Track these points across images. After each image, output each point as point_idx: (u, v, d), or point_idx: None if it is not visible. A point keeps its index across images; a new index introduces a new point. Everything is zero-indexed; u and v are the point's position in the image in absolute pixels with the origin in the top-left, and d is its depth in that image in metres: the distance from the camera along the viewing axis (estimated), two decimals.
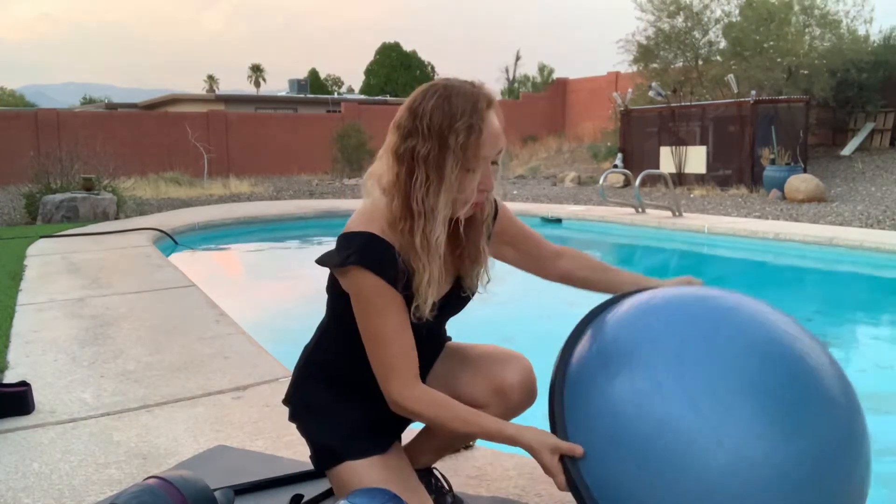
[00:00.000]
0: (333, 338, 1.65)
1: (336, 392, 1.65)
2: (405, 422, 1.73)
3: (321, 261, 1.56)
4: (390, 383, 1.49)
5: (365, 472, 1.57)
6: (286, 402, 1.75)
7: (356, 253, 1.46)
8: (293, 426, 2.42)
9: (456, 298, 1.63)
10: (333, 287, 1.59)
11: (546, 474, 1.39)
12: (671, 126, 13.85)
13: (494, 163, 1.49)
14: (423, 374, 1.71)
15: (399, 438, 1.73)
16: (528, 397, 1.68)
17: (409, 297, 1.51)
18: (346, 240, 1.50)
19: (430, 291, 1.48)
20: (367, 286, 1.46)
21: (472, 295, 1.65)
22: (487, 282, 1.65)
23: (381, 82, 41.78)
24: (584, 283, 1.79)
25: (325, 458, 1.64)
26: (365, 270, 1.45)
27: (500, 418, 1.65)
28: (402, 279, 1.48)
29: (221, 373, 2.99)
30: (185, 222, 9.01)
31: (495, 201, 1.68)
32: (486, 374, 1.66)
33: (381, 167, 1.50)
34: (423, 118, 1.43)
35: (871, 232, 7.48)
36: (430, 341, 1.69)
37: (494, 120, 1.46)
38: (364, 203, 1.55)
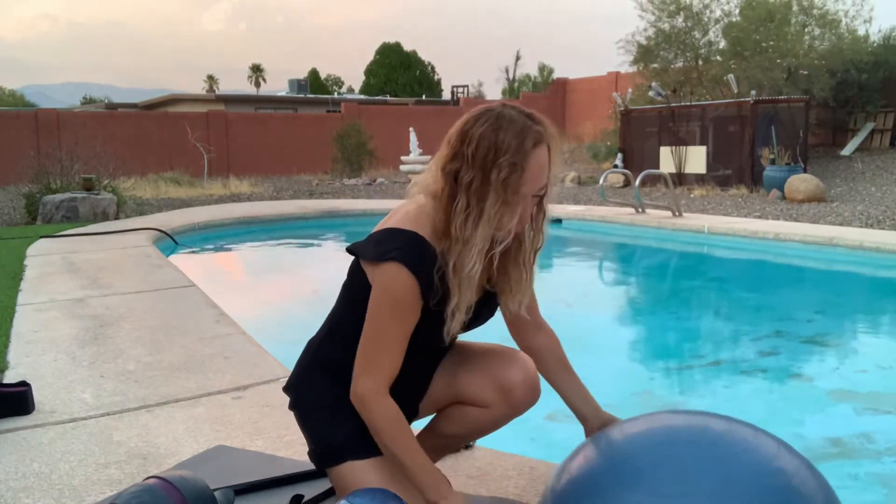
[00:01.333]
0: (344, 333, 1.63)
1: (342, 389, 1.64)
2: (410, 421, 1.72)
3: (354, 250, 1.54)
4: (367, 378, 1.50)
5: (367, 472, 1.57)
6: (287, 389, 1.75)
7: (400, 249, 1.45)
8: (293, 426, 2.41)
9: (486, 308, 1.63)
10: (356, 278, 1.57)
11: None
12: (671, 126, 13.85)
13: (537, 196, 1.49)
14: (430, 373, 1.72)
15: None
16: (532, 396, 1.67)
17: (436, 313, 1.50)
18: (391, 235, 1.48)
19: (459, 316, 1.48)
20: (399, 284, 1.45)
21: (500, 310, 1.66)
22: (518, 307, 1.63)
23: (381, 82, 41.75)
24: (543, 369, 1.75)
25: (327, 456, 1.64)
26: (403, 268, 1.44)
27: (505, 418, 1.65)
28: (436, 293, 1.47)
29: (221, 373, 2.99)
30: (185, 222, 9.00)
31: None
32: (490, 372, 1.65)
33: (428, 178, 1.50)
34: (470, 144, 1.42)
35: (871, 232, 7.48)
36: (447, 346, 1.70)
37: (541, 158, 1.45)
38: (409, 203, 1.54)
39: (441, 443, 1.81)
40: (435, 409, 1.76)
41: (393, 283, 1.45)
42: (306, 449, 2.20)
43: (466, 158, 1.42)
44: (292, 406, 1.73)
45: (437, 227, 1.46)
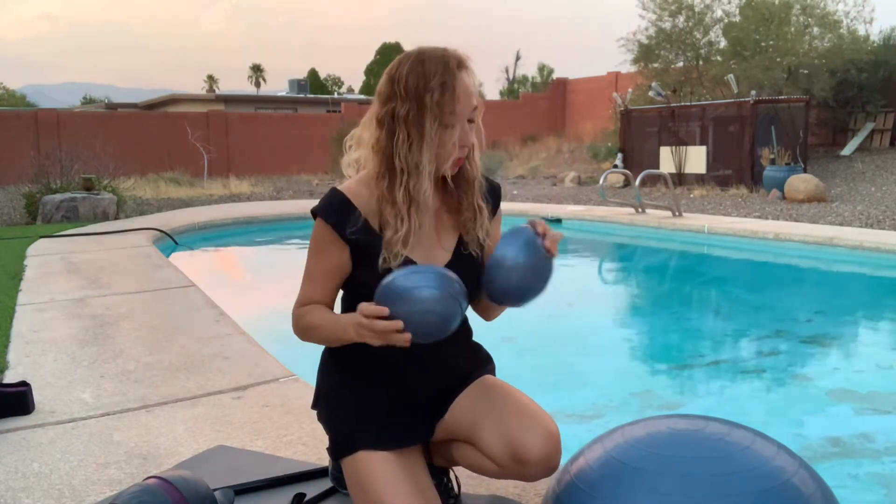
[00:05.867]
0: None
1: (343, 373, 1.67)
2: (425, 417, 1.69)
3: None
4: (294, 307, 1.68)
5: (376, 462, 1.56)
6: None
7: (318, 204, 1.62)
8: (293, 426, 2.42)
9: (458, 258, 1.64)
10: None
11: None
12: (671, 126, 13.85)
13: (471, 121, 1.56)
14: (437, 360, 1.68)
15: (425, 442, 1.71)
16: (546, 471, 1.60)
17: (371, 247, 1.56)
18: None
19: (404, 243, 1.54)
20: (315, 229, 1.61)
21: (474, 253, 1.65)
22: (486, 236, 1.67)
23: None
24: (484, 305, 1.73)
25: (339, 448, 1.64)
26: (317, 217, 1.60)
27: (514, 478, 1.63)
28: (352, 226, 1.56)
29: (221, 373, 2.99)
30: (185, 222, 9.00)
31: (498, 188, 1.75)
32: (508, 434, 1.58)
33: (363, 131, 1.61)
34: (400, 82, 1.52)
35: (871, 232, 7.48)
36: None
37: (466, 79, 1.53)
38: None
39: (447, 459, 1.77)
40: (448, 437, 1.72)
41: (313, 230, 1.62)
42: (306, 449, 2.21)
43: (399, 95, 1.52)
44: (312, 405, 1.75)
45: (371, 175, 1.57)
